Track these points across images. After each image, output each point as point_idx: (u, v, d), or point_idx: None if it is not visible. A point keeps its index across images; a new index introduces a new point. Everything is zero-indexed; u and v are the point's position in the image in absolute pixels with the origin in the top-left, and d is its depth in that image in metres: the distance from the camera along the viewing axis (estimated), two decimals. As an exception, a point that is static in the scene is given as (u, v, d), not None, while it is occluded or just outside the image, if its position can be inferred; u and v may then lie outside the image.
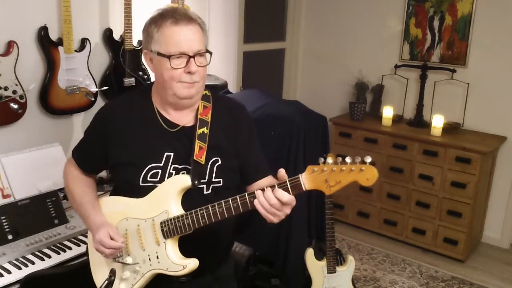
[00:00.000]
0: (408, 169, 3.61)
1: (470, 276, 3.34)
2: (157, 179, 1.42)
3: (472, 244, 3.62)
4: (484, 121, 3.68)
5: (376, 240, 3.80)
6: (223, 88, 2.82)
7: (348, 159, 1.17)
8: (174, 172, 1.42)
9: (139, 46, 2.76)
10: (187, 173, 1.41)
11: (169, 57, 1.36)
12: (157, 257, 1.40)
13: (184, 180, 1.38)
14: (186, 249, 1.40)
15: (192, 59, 1.36)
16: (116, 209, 1.49)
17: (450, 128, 3.63)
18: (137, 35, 2.73)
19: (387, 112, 3.83)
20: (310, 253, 2.57)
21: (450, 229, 3.48)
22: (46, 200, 2.07)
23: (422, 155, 3.54)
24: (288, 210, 1.25)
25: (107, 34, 2.65)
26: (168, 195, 1.38)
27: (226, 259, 1.61)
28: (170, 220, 1.37)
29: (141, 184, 1.42)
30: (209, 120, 1.46)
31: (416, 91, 3.89)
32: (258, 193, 1.24)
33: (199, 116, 1.45)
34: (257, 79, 4.36)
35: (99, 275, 1.54)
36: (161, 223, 1.38)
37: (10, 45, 2.21)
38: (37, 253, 1.89)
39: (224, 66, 3.46)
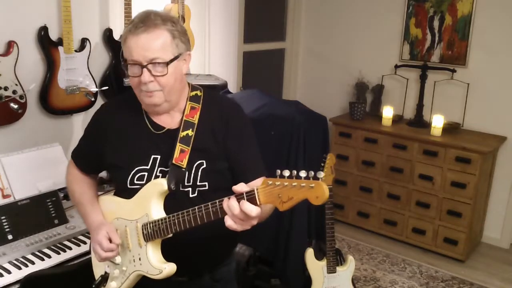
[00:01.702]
0: (408, 169, 3.61)
1: (470, 276, 3.34)
2: (143, 182, 1.42)
3: (472, 244, 3.62)
4: (484, 121, 3.68)
5: (376, 240, 3.80)
6: (223, 88, 2.82)
7: (302, 174, 1.09)
8: (160, 175, 1.42)
9: (139, 46, 2.76)
10: None
11: (126, 65, 1.36)
12: (140, 259, 1.41)
13: (160, 184, 1.37)
14: (182, 251, 1.40)
15: (145, 69, 1.33)
16: (110, 208, 1.52)
17: (450, 128, 3.63)
18: (137, 35, 2.73)
19: (387, 112, 3.83)
20: (310, 253, 2.57)
21: (450, 229, 3.48)
22: (46, 200, 2.06)
23: (422, 155, 3.54)
24: (255, 222, 1.19)
25: (107, 34, 2.65)
26: (149, 198, 1.38)
27: (226, 261, 1.60)
28: (150, 223, 1.37)
29: (128, 186, 1.44)
30: (195, 122, 1.43)
31: (416, 91, 3.89)
32: (224, 200, 1.20)
33: (184, 118, 1.43)
34: (257, 79, 4.36)
35: (98, 271, 1.57)
36: (142, 226, 1.39)
37: (10, 45, 2.21)
38: (37, 253, 1.88)
39: (224, 66, 3.46)
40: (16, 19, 2.27)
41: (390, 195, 3.73)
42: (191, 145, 1.40)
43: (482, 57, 3.64)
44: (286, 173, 1.10)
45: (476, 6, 3.58)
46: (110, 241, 1.42)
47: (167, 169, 1.40)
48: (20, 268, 1.78)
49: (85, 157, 1.60)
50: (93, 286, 1.51)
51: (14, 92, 2.23)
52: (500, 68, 3.58)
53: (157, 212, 1.37)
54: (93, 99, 2.57)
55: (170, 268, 1.36)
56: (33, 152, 2.24)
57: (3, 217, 1.92)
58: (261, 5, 4.30)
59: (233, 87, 3.53)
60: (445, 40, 3.76)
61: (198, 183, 1.41)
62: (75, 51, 2.45)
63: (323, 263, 2.56)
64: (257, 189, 1.14)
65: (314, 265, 2.57)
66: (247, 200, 1.15)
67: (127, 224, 1.44)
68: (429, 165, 3.51)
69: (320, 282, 2.56)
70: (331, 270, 2.55)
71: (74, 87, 2.46)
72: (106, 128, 1.50)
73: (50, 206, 2.06)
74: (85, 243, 1.98)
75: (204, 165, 1.42)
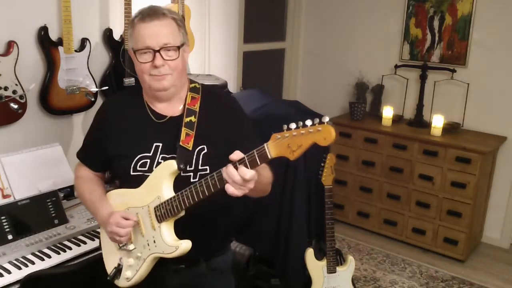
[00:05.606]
0: (408, 169, 3.61)
1: (470, 276, 3.34)
2: (146, 168, 1.49)
3: (472, 244, 3.62)
4: (484, 121, 3.68)
5: (376, 240, 3.80)
6: (223, 88, 2.83)
7: (308, 122, 1.17)
8: (162, 161, 1.48)
9: (139, 46, 2.76)
10: None
11: (135, 52, 1.45)
12: (154, 241, 1.46)
13: (170, 165, 1.43)
14: (181, 237, 1.45)
15: (157, 53, 1.42)
16: (119, 200, 1.56)
17: (450, 128, 3.63)
18: (137, 35, 2.73)
19: (387, 112, 3.83)
20: (310, 253, 2.57)
21: (450, 229, 3.48)
22: (46, 200, 2.07)
23: (422, 155, 3.54)
24: (252, 185, 1.26)
25: (107, 34, 2.65)
26: (159, 181, 1.44)
27: (222, 251, 1.65)
28: (162, 204, 1.42)
29: (131, 173, 1.50)
30: (197, 110, 1.51)
31: (416, 91, 3.89)
32: (223, 169, 1.27)
33: (187, 106, 1.51)
34: (257, 79, 4.36)
35: (110, 265, 1.60)
36: (154, 208, 1.44)
37: (10, 45, 2.21)
38: (37, 253, 1.89)
39: (224, 66, 3.46)
40: (16, 19, 2.27)
41: (390, 195, 3.73)
42: (194, 130, 1.48)
43: (482, 57, 3.64)
44: (293, 125, 1.17)
45: (476, 6, 3.58)
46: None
47: (169, 156, 1.47)
48: (20, 268, 1.78)
49: (92, 154, 1.65)
50: (108, 278, 1.55)
51: (14, 92, 2.23)
52: (500, 68, 3.58)
53: (168, 192, 1.43)
54: (93, 99, 2.57)
55: (186, 244, 1.41)
56: (33, 152, 2.24)
57: (3, 217, 1.92)
58: (261, 5, 4.29)
59: (233, 87, 3.53)
60: (445, 40, 3.76)
61: (199, 167, 1.48)
62: (75, 51, 2.45)
63: (323, 263, 2.56)
64: (267, 145, 1.20)
65: (314, 265, 2.57)
66: (258, 156, 1.21)
67: (138, 211, 1.49)
68: (429, 165, 3.51)
69: (320, 282, 2.56)
70: (331, 270, 2.56)
71: (74, 87, 2.46)
72: (108, 122, 1.57)
73: (50, 206, 2.06)
74: (85, 243, 1.98)
75: (205, 150, 1.49)
